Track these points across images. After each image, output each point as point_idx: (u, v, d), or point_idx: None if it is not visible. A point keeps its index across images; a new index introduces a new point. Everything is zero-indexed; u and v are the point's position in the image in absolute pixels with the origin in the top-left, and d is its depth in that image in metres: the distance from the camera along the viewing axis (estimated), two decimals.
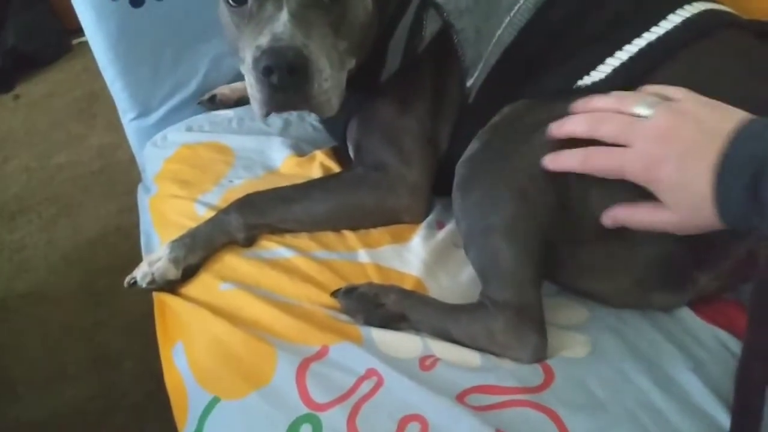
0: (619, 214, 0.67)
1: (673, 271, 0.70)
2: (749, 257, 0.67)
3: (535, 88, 0.78)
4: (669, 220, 0.62)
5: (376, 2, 0.86)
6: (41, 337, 1.60)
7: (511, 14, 0.84)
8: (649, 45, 0.73)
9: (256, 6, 0.77)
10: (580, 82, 0.73)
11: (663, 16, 0.74)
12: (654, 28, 0.74)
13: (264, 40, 0.73)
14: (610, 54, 0.74)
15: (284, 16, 0.74)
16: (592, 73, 0.74)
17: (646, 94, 0.66)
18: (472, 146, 0.77)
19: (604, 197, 0.68)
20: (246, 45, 0.78)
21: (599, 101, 0.68)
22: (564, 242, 0.71)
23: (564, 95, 0.73)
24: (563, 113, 0.70)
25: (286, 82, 0.73)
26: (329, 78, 0.76)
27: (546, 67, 0.80)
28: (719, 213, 0.57)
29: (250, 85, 0.77)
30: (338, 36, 0.79)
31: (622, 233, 0.69)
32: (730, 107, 0.61)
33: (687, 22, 0.73)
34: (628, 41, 0.74)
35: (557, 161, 0.68)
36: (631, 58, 0.73)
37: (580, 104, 0.69)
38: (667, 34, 0.73)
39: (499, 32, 0.84)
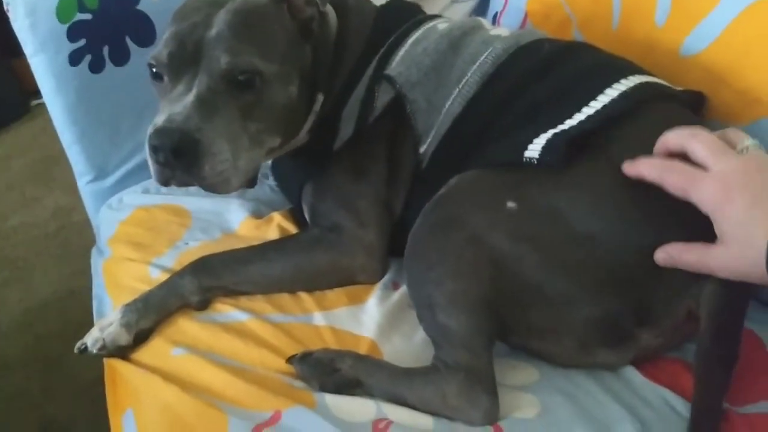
0: (672, 251, 0.66)
1: (615, 330, 0.71)
2: (689, 316, 0.69)
3: (482, 157, 0.81)
4: (720, 258, 0.63)
5: (306, 85, 0.88)
6: None
7: (460, 86, 0.88)
8: (588, 118, 0.75)
9: (171, 85, 0.81)
10: (526, 153, 0.74)
11: (601, 91, 0.78)
12: (592, 102, 0.77)
13: (160, 119, 0.76)
14: (552, 127, 0.75)
15: (189, 98, 0.77)
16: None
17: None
18: (418, 220, 0.79)
19: (540, 262, 0.70)
20: None
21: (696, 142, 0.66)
22: (509, 306, 0.72)
23: (506, 167, 0.76)
24: (503, 184, 0.73)
25: (170, 162, 0.75)
26: (226, 160, 0.77)
27: (491, 138, 0.82)
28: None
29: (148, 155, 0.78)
30: (251, 119, 0.81)
31: (564, 295, 0.70)
32: None
33: (623, 96, 0.77)
34: (569, 115, 0.76)
35: (636, 168, 0.68)
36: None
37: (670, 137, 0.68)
38: (604, 107, 0.76)
39: (448, 103, 0.88)
